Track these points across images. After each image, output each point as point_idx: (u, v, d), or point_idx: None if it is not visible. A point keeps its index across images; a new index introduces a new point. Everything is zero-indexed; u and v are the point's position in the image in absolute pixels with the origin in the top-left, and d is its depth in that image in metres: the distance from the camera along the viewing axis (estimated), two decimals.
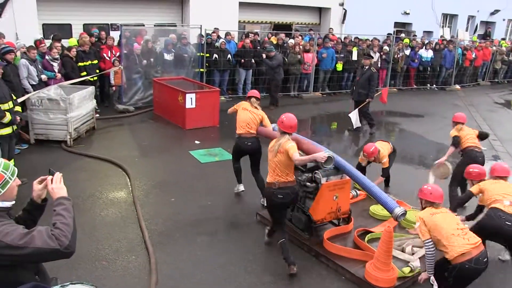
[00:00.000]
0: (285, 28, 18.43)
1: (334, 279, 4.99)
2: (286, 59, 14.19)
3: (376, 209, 6.30)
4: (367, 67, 10.99)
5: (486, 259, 4.23)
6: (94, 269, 4.93)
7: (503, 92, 19.44)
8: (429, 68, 18.44)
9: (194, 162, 8.47)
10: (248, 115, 6.68)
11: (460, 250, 4.16)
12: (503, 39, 24.98)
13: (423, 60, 17.94)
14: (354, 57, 15.83)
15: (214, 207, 6.61)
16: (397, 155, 9.45)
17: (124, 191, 7.01)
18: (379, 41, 17.10)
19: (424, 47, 18.11)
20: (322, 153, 4.95)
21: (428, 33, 23.03)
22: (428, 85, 18.79)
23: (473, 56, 19.54)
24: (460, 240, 4.21)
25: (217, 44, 13.40)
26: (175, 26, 15.25)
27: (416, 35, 20.51)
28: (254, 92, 7.07)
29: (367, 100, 11.00)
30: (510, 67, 22.02)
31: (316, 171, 5.49)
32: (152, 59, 12.56)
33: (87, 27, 13.48)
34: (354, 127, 11.30)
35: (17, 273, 2.56)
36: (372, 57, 11.65)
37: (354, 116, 11.18)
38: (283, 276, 4.97)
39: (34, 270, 2.71)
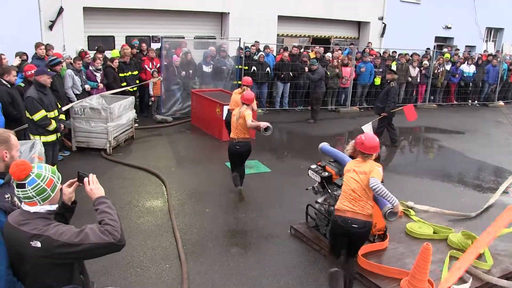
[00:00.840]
0: (324, 42, 18.44)
1: None
2: (328, 72, 14.18)
3: (413, 227, 6.16)
4: (389, 81, 11.04)
5: (356, 225, 4.45)
6: (128, 275, 5.01)
7: None
8: (471, 83, 17.98)
9: (230, 174, 8.50)
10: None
11: (338, 205, 4.58)
12: None
13: (465, 75, 17.52)
14: None
15: (248, 219, 6.62)
16: (436, 173, 9.27)
17: (160, 200, 7.12)
18: (419, 55, 16.83)
19: (466, 62, 17.69)
20: (264, 122, 6.82)
21: (471, 47, 22.48)
22: (470, 101, 18.32)
23: None
24: (345, 200, 4.53)
25: (255, 57, 13.52)
26: (215, 38, 15.51)
27: (458, 49, 20.04)
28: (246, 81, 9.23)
29: (382, 114, 11.01)
30: None
31: None
32: (190, 71, 12.79)
33: (129, 39, 13.88)
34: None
35: (71, 271, 2.71)
36: (395, 72, 11.72)
37: (367, 128, 10.83)
38: None
39: (79, 269, 2.84)
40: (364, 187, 4.45)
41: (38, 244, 2.50)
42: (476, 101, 18.35)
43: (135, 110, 10.53)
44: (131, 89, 11.32)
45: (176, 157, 9.42)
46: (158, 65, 12.29)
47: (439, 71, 16.77)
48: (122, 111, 9.58)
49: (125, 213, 6.53)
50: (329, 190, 5.76)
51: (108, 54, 11.76)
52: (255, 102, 8.46)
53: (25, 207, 2.61)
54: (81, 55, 10.47)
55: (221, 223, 6.44)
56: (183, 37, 14.08)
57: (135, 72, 11.71)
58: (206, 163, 9.07)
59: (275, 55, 15.05)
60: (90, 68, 10.25)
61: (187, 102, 12.68)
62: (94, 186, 2.82)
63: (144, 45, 13.03)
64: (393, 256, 5.53)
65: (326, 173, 5.80)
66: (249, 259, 5.51)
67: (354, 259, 4.94)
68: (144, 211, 6.72)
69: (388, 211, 4.48)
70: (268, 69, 13.64)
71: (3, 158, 3.00)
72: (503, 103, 18.65)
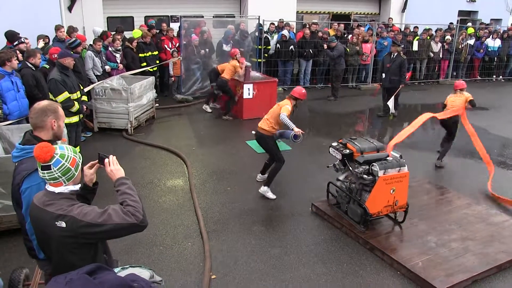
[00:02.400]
0: (344, 18, 18.11)
1: (389, 273, 4.89)
2: (348, 49, 14.01)
3: None
4: (395, 54, 11.05)
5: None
6: (151, 254, 5.10)
7: None
8: (495, 58, 17.53)
9: (251, 152, 8.55)
10: None
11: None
12: None
13: (489, 50, 17.09)
14: (415, 47, 15.33)
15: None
16: (459, 150, 9.13)
17: (182, 179, 7.20)
18: (441, 30, 16.45)
19: (491, 36, 17.21)
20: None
21: (497, 21, 21.78)
22: (494, 76, 17.89)
23: None
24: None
25: (275, 35, 13.42)
26: (234, 17, 15.38)
27: (483, 23, 19.48)
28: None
29: (400, 86, 11.16)
30: None
31: (374, 164, 5.39)
32: (207, 50, 12.75)
33: (147, 20, 13.88)
34: (391, 112, 11.37)
35: (95, 250, 2.78)
36: (400, 45, 11.79)
37: (391, 103, 11.22)
38: (336, 268, 4.94)
39: (103, 249, 2.90)
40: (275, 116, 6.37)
41: (63, 224, 2.56)
42: (501, 76, 17.91)
43: (155, 90, 10.58)
44: (151, 69, 11.36)
45: (197, 136, 9.47)
46: (178, 44, 12.29)
47: (462, 46, 16.39)
48: (143, 92, 9.64)
49: (147, 192, 6.63)
50: (350, 168, 5.74)
51: (128, 34, 11.79)
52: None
53: (50, 188, 2.66)
54: (104, 36, 10.52)
55: (243, 201, 6.49)
56: (202, 16, 14.01)
57: (155, 52, 11.74)
58: (227, 142, 9.11)
59: (295, 32, 14.88)
60: (110, 49, 10.31)
61: (206, 81, 12.68)
62: (114, 167, 2.85)
63: (164, 25, 13.01)
64: (415, 234, 5.52)
65: (347, 151, 5.77)
66: (270, 237, 5.56)
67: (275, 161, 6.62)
68: (165, 190, 6.80)
69: (293, 134, 6.19)
70: (292, 46, 13.52)
71: (52, 126, 3.15)
72: None
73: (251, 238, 5.50)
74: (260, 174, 7.17)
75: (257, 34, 13.37)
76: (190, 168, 7.49)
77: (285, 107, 6.35)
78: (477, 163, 8.48)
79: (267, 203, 6.45)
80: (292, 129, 6.24)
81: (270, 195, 6.61)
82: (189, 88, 12.55)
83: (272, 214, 6.15)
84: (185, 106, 11.77)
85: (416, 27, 16.76)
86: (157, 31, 12.56)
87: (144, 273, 3.10)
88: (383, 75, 11.21)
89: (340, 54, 12.81)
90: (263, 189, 6.65)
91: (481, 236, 5.51)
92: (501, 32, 17.85)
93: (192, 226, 5.73)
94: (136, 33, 11.56)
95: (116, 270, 2.98)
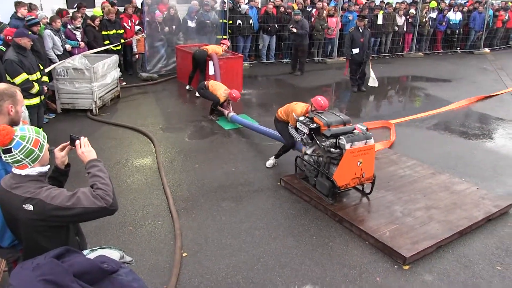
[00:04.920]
0: None
1: (357, 244, 5.01)
2: (320, 26, 14.07)
3: None
4: (362, 28, 11.03)
5: None
6: (121, 234, 5.06)
7: None
8: (457, 31, 17.86)
9: (218, 129, 8.52)
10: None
11: None
12: None
13: (451, 23, 17.39)
14: (380, 21, 15.45)
15: (238, 173, 6.66)
16: (423, 121, 9.38)
17: (149, 158, 7.12)
18: (406, 4, 16.61)
19: (452, 9, 17.50)
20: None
21: None
22: (459, 48, 18.26)
23: (506, 17, 18.79)
24: None
25: (240, 9, 13.24)
26: None
27: None
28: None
29: (370, 57, 11.50)
30: None
31: (341, 137, 5.46)
32: (174, 27, 12.51)
33: None
34: (375, 85, 11.56)
35: (66, 233, 2.73)
36: (367, 18, 12.05)
37: (373, 76, 11.48)
38: (306, 241, 5.02)
39: (74, 231, 2.86)
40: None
41: (31, 208, 2.49)
42: (458, 48, 18.29)
43: (119, 69, 10.34)
44: (115, 48, 11.07)
45: (163, 114, 9.35)
46: (137, 21, 11.98)
47: (425, 19, 16.62)
48: (106, 70, 9.41)
49: (114, 173, 6.53)
50: (317, 141, 5.79)
51: (90, 12, 11.42)
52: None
53: (16, 170, 2.59)
54: (61, 14, 10.12)
55: (212, 178, 6.48)
56: None
57: (121, 31, 11.39)
58: (194, 119, 9.04)
59: (259, 7, 14.74)
60: (69, 27, 9.95)
61: (172, 58, 12.49)
62: (85, 149, 2.78)
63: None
64: (382, 204, 5.65)
65: (314, 125, 5.81)
66: (240, 212, 5.59)
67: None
68: (133, 170, 6.72)
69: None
70: (251, 21, 13.38)
71: (9, 112, 3.03)
72: (488, 50, 18.62)
73: (221, 215, 5.52)
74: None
75: (223, 8, 13.17)
76: (158, 147, 7.41)
77: (292, 118, 6.23)
78: (440, 134, 8.70)
79: (236, 179, 6.46)
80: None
81: (268, 163, 6.92)
82: (154, 66, 12.32)
83: (242, 190, 6.17)
84: (150, 84, 11.57)
85: (382, 1, 16.85)
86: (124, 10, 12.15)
87: (114, 254, 3.07)
88: (356, 50, 11.04)
89: (305, 30, 12.79)
90: (269, 162, 6.93)
91: (444, 204, 5.69)
92: (462, 5, 18.16)
93: (162, 205, 5.70)
94: (97, 11, 11.21)
95: (85, 252, 2.94)
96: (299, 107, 6.29)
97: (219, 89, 8.85)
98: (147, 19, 11.93)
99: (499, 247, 5.06)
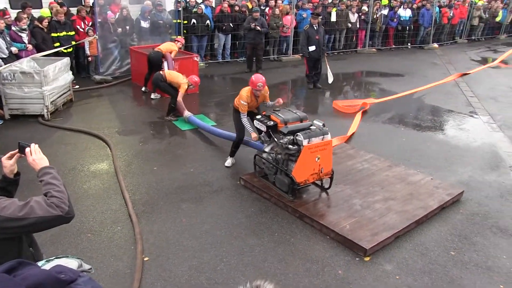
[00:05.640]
0: None
1: (319, 239, 5.07)
2: (275, 24, 14.15)
3: None
4: (316, 26, 11.14)
5: None
6: (79, 242, 4.92)
7: (479, 50, 19.53)
8: (407, 27, 18.39)
9: (175, 130, 8.43)
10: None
11: None
12: None
13: (402, 19, 17.88)
14: (333, 18, 15.68)
15: (197, 174, 6.61)
16: (378, 115, 9.61)
17: (106, 163, 6.96)
18: (358, 1, 16.94)
19: (402, 6, 18.01)
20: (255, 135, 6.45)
21: None
22: (409, 44, 18.79)
23: (450, 14, 19.52)
24: None
25: (194, 9, 13.14)
26: None
27: None
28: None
29: (325, 54, 11.75)
30: (487, 25, 22.13)
31: (298, 133, 5.50)
32: (127, 27, 12.28)
33: None
34: (331, 80, 11.75)
35: (19, 244, 2.60)
36: (320, 15, 12.28)
37: (330, 72, 11.63)
38: (268, 239, 5.04)
39: (28, 242, 2.72)
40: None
41: None
42: (409, 44, 18.83)
43: (71, 72, 10.04)
44: (65, 51, 10.72)
45: (119, 117, 9.16)
46: (91, 23, 11.68)
47: (377, 16, 17.01)
48: (58, 74, 9.11)
49: (70, 179, 6.34)
50: (275, 139, 5.82)
51: (36, 13, 11.01)
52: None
53: None
54: (1, 13, 9.64)
55: (171, 180, 6.41)
56: None
57: (71, 33, 11.01)
58: (150, 121, 8.89)
59: (214, 6, 14.67)
60: (13, 28, 9.49)
61: (126, 60, 12.24)
62: (36, 156, 2.66)
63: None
64: (341, 198, 5.74)
65: (272, 122, 5.84)
66: (201, 214, 5.55)
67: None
68: (90, 175, 6.55)
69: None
70: (208, 21, 13.32)
71: None
72: (437, 45, 19.25)
73: (182, 216, 5.46)
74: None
75: (176, 8, 13.02)
76: (114, 151, 7.25)
77: (241, 104, 6.48)
78: (395, 128, 8.92)
79: (195, 180, 6.41)
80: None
81: (227, 162, 6.89)
82: (107, 68, 12.03)
83: (201, 191, 6.13)
84: (104, 87, 11.29)
85: None
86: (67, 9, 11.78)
87: (71, 263, 2.97)
88: (312, 47, 11.11)
89: (266, 27, 12.91)
90: (227, 161, 6.91)
91: (401, 195, 5.85)
92: (411, 2, 18.72)
93: (120, 210, 5.58)
94: (44, 12, 10.83)
95: (40, 263, 2.83)
96: (243, 91, 6.46)
97: (177, 76, 8.75)
98: (99, 20, 11.65)
99: (452, 233, 5.27)
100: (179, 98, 8.67)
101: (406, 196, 5.83)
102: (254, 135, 6.42)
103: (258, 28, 12.43)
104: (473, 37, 21.80)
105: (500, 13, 22.21)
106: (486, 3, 22.35)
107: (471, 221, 5.55)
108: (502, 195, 6.27)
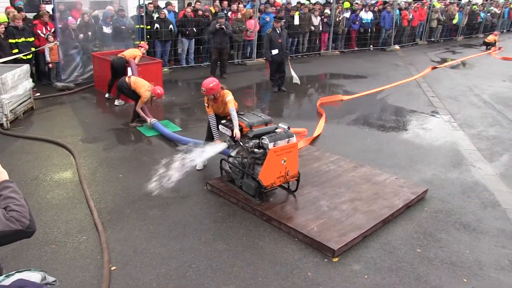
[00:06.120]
0: None
1: (287, 241, 5.08)
2: (238, 28, 14.15)
3: None
4: (279, 29, 11.21)
5: None
6: (43, 254, 4.78)
7: (439, 51, 20.15)
8: (369, 29, 18.76)
9: (140, 136, 8.31)
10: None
11: None
12: None
13: (364, 22, 18.23)
14: (296, 21, 15.83)
15: (163, 180, 6.52)
16: (342, 117, 9.70)
17: (70, 171, 6.80)
18: (320, 4, 17.17)
19: (364, 9, 18.36)
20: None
21: None
22: (372, 46, 19.16)
23: (410, 16, 20.04)
24: None
25: (156, 14, 13.02)
26: None
27: None
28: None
29: (289, 57, 11.88)
30: (444, 27, 22.86)
31: (263, 137, 5.52)
32: (89, 33, 12.05)
33: (14, 0, 12.67)
34: (298, 82, 11.87)
35: None
36: (283, 19, 12.32)
37: (294, 74, 11.74)
38: (236, 243, 5.02)
39: None
40: None
41: None
42: (371, 46, 19.20)
43: (31, 79, 9.77)
44: (24, 57, 10.43)
45: (82, 124, 8.96)
46: (53, 29, 11.41)
47: (339, 19, 17.28)
48: (17, 81, 8.85)
49: (32, 189, 6.16)
50: (240, 143, 5.82)
51: None
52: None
53: None
54: None
55: (137, 187, 6.30)
56: None
57: (30, 39, 10.70)
58: (115, 128, 8.74)
59: (177, 11, 14.58)
60: None
61: (88, 66, 12.01)
62: None
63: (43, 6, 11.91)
64: (308, 200, 5.78)
65: None
66: (168, 220, 5.48)
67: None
68: (53, 184, 6.38)
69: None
70: (171, 26, 13.22)
71: None
72: (398, 47, 19.72)
73: (149, 224, 5.39)
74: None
75: (139, 13, 12.87)
76: (78, 159, 7.09)
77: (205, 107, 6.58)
78: (359, 129, 9.06)
79: (160, 187, 6.31)
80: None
81: (198, 165, 6.81)
82: (69, 75, 11.77)
83: (168, 197, 6.05)
84: (67, 94, 11.03)
85: (299, 2, 17.27)
86: (26, 14, 11.48)
87: (34, 276, 2.87)
88: (275, 51, 11.17)
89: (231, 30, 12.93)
90: (198, 164, 6.79)
91: (367, 195, 5.94)
92: (372, 5, 19.14)
93: (86, 219, 5.46)
94: (2, 17, 10.50)
95: None
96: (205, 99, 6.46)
97: (142, 86, 8.62)
98: (60, 25, 11.39)
99: (418, 231, 5.38)
100: (137, 108, 8.58)
101: (372, 196, 5.93)
102: (236, 133, 6.05)
103: (223, 26, 12.36)
104: (432, 39, 22.50)
105: (457, 16, 23.04)
106: (443, 6, 23.11)
107: (436, 218, 5.69)
108: (464, 191, 6.45)
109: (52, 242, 4.99)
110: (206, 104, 6.50)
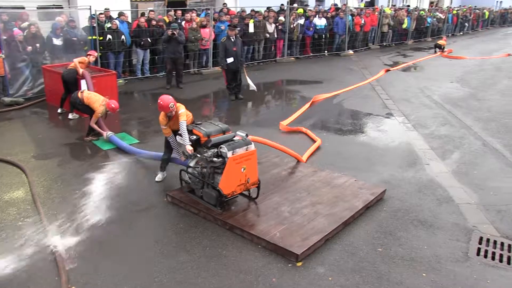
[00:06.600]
0: (180, 4, 17.95)
1: (250, 249, 5.05)
2: (193, 37, 14.09)
3: None
4: (234, 38, 11.21)
5: None
6: None
7: (391, 54, 20.75)
8: (323, 35, 19.08)
9: (96, 150, 8.10)
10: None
11: None
12: (394, 5, 27.03)
13: (318, 28, 18.53)
14: (251, 29, 15.91)
15: (122, 194, 6.36)
16: (301, 122, 9.78)
17: (22, 190, 6.52)
18: (274, 12, 17.33)
19: (317, 15, 18.67)
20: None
21: (321, 2, 23.79)
22: (326, 51, 19.49)
23: (362, 22, 20.56)
24: None
25: (108, 25, 12.77)
26: (62, 8, 14.22)
27: (308, 5, 21.09)
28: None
29: (245, 65, 11.93)
30: (395, 31, 23.61)
31: (222, 146, 5.48)
32: (38, 45, 11.67)
33: None
34: (254, 89, 11.85)
35: None
36: (238, 27, 12.43)
37: (250, 82, 11.74)
38: (199, 254, 4.95)
39: None
40: None
41: None
42: (326, 51, 19.55)
43: None
44: None
45: (34, 141, 8.64)
46: None
47: (294, 25, 17.49)
48: None
49: None
50: (199, 153, 5.76)
51: None
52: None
53: None
54: None
55: (94, 202, 6.11)
56: (23, 8, 12.71)
57: None
58: (69, 143, 8.47)
59: (130, 21, 14.36)
60: None
61: (39, 80, 11.62)
62: None
63: None
64: (270, 207, 5.77)
65: (194, 136, 5.78)
66: (128, 235, 5.34)
67: None
68: (3, 205, 6.07)
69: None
70: (123, 37, 12.98)
71: None
72: (352, 52, 20.16)
73: (108, 240, 5.22)
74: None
75: (91, 24, 12.60)
76: (31, 177, 6.82)
77: (162, 129, 6.38)
78: (317, 133, 9.15)
79: (119, 201, 6.15)
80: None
81: (157, 177, 6.77)
82: (18, 89, 11.33)
83: (127, 211, 5.90)
84: (16, 109, 10.63)
85: (253, 10, 17.35)
86: None
87: None
88: (230, 59, 11.14)
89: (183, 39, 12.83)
90: (158, 176, 6.77)
91: (328, 199, 5.99)
92: (325, 11, 19.52)
93: (42, 240, 5.22)
94: None
95: None
96: (160, 116, 6.31)
97: (96, 100, 8.39)
98: (4, 37, 10.97)
99: (378, 230, 5.47)
100: (91, 123, 8.36)
101: (332, 199, 5.98)
102: (187, 149, 6.00)
103: (175, 32, 12.20)
104: (384, 43, 23.13)
105: (406, 21, 23.87)
106: (393, 11, 23.89)
107: (395, 217, 5.80)
108: (420, 190, 6.62)
109: (6, 264, 4.75)
110: (164, 126, 6.30)
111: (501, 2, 48.91)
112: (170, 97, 6.22)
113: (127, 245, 5.12)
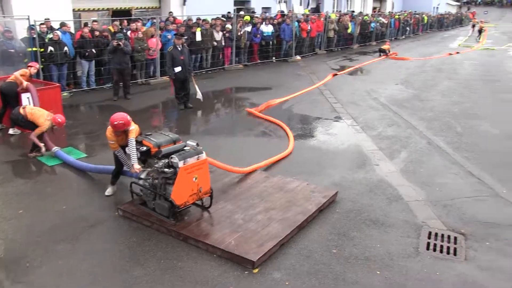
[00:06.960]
0: (125, 14, 17.67)
1: (206, 258, 4.99)
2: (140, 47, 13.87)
3: None
4: (180, 46, 11.16)
5: None
6: None
7: (337, 59, 21.25)
8: (271, 42, 19.28)
9: (42, 167, 7.78)
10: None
11: None
12: (339, 11, 27.76)
13: (265, 35, 18.70)
14: (198, 37, 15.84)
15: (71, 210, 6.13)
16: (250, 129, 9.80)
17: None
18: (221, 20, 17.35)
19: (264, 22, 18.85)
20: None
21: (267, 9, 24.06)
22: (274, 58, 19.70)
23: (308, 28, 20.95)
24: None
25: (49, 36, 12.35)
26: None
27: (255, 12, 21.28)
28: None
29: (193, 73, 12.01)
30: (341, 36, 24.23)
31: (173, 156, 5.41)
32: None
33: None
34: (198, 97, 11.73)
35: None
36: (184, 36, 12.51)
37: (198, 91, 11.65)
38: (154, 267, 4.84)
39: None
40: None
41: None
42: (273, 58, 19.78)
43: None
44: None
45: None
46: None
47: (241, 33, 17.58)
48: None
49: None
50: (150, 164, 5.66)
51: None
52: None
53: None
54: None
55: (41, 221, 5.84)
56: None
57: None
58: (11, 160, 8.07)
59: (73, 32, 13.95)
60: None
61: None
62: None
63: None
64: (223, 215, 5.73)
65: (144, 148, 5.68)
66: (78, 253, 5.14)
67: None
68: None
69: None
70: (66, 48, 12.57)
71: None
72: (299, 58, 20.49)
73: (58, 259, 5.00)
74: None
75: (30, 35, 12.13)
76: None
77: (109, 144, 6.19)
78: (268, 139, 9.21)
79: (68, 218, 5.92)
80: None
81: (107, 191, 6.58)
82: None
83: (77, 228, 5.69)
84: None
85: (199, 19, 17.30)
86: None
87: None
88: (178, 68, 11.01)
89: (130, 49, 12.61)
90: (108, 190, 6.58)
91: (281, 204, 6.02)
92: (271, 18, 19.76)
93: None
94: None
95: None
96: (107, 131, 6.09)
97: (40, 116, 8.02)
98: None
99: (332, 232, 5.56)
100: (32, 137, 7.94)
101: (285, 204, 6.02)
102: (135, 168, 5.86)
103: (120, 43, 11.97)
104: (331, 48, 23.66)
105: (350, 26, 24.54)
106: (338, 17, 24.53)
107: (347, 218, 5.91)
108: (371, 190, 6.79)
109: None
110: (112, 142, 6.10)
111: (437, 8, 51.44)
112: (125, 114, 6.03)
113: (77, 264, 4.93)
